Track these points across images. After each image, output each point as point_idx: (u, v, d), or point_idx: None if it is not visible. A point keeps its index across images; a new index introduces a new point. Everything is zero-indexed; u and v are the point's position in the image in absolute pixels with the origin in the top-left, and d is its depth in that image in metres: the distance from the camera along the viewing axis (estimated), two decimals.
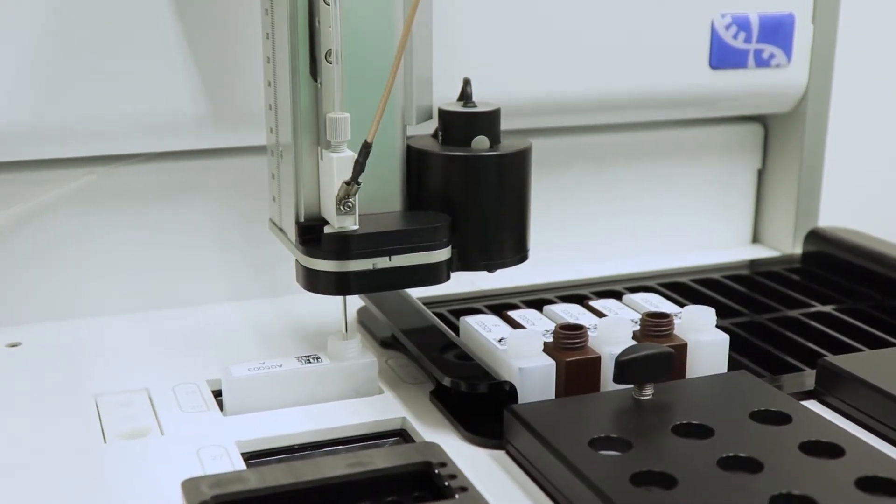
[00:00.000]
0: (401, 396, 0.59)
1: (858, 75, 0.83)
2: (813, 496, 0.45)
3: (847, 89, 0.82)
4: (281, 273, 0.75)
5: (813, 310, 0.73)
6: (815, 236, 0.82)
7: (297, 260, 0.57)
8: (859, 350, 0.66)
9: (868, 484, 0.46)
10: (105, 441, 0.54)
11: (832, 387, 0.58)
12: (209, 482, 0.46)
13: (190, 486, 0.46)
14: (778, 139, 0.86)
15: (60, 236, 0.70)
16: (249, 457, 0.53)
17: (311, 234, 0.56)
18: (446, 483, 0.46)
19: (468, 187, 0.58)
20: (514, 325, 0.62)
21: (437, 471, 0.47)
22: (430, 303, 0.70)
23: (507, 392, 0.55)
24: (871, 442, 0.52)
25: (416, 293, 0.69)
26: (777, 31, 0.79)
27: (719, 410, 0.53)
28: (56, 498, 0.49)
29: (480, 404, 0.56)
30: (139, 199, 0.71)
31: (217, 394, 0.59)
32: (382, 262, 0.55)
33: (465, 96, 0.59)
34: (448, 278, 0.58)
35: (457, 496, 0.46)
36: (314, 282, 0.56)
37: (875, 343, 0.67)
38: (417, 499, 0.48)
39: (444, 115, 0.59)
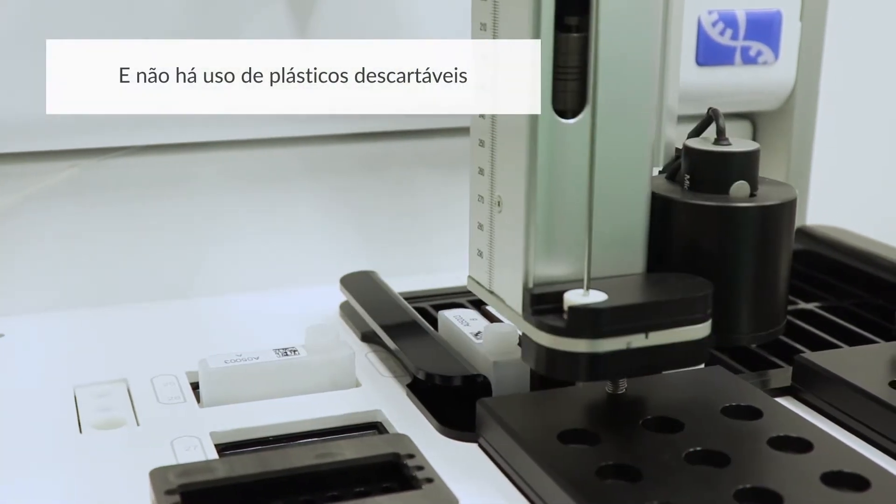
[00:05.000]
0: (378, 389, 0.59)
1: (846, 73, 0.83)
2: (777, 490, 0.45)
3: (835, 87, 0.82)
4: (264, 266, 0.75)
5: (797, 307, 0.73)
6: (802, 234, 0.81)
7: (524, 335, 0.49)
8: (839, 347, 0.66)
9: (833, 478, 0.46)
10: (81, 431, 0.55)
11: (808, 383, 0.58)
12: (177, 471, 0.46)
13: (158, 475, 0.46)
14: (766, 136, 0.86)
15: (43, 229, 0.70)
16: (223, 448, 0.54)
17: (543, 305, 0.48)
18: (413, 474, 0.46)
19: (726, 244, 0.50)
20: (493, 319, 0.62)
21: (404, 462, 0.47)
22: (413, 297, 0.70)
23: (480, 385, 0.55)
24: (844, 438, 0.52)
25: (397, 287, 0.69)
26: (764, 29, 0.79)
27: (691, 405, 0.53)
28: (27, 487, 0.50)
29: (455, 398, 0.56)
30: (122, 192, 0.72)
31: (195, 386, 0.59)
32: (638, 341, 0.47)
33: (719, 131, 0.52)
34: (707, 358, 0.51)
35: (423, 487, 0.46)
36: (553, 364, 0.48)
37: (856, 341, 0.67)
38: (386, 489, 0.48)
39: (693, 154, 0.52)
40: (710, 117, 0.53)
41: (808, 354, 0.59)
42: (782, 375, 0.61)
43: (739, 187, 0.51)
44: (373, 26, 0.70)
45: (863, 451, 0.50)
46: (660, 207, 0.51)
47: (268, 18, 0.69)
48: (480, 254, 0.53)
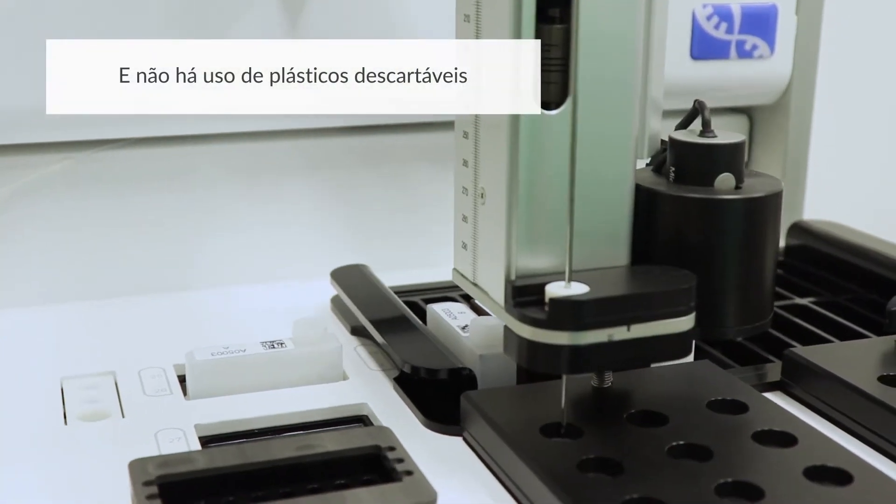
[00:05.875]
0: (365, 383, 0.59)
1: (843, 67, 0.82)
2: (759, 484, 0.44)
3: (831, 81, 0.82)
4: (256, 259, 0.75)
5: (791, 302, 0.72)
6: (798, 229, 0.81)
7: (506, 327, 0.49)
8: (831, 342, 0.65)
9: (816, 473, 0.46)
10: (66, 423, 0.55)
11: (797, 378, 0.58)
12: (156, 462, 0.46)
13: (137, 466, 0.46)
14: (762, 131, 0.85)
15: (34, 221, 0.70)
16: (208, 441, 0.53)
17: (525, 297, 0.48)
18: (393, 466, 0.46)
19: (711, 237, 0.50)
20: (482, 313, 0.62)
21: (385, 454, 0.47)
22: (404, 291, 0.70)
23: (466, 378, 0.55)
24: (831, 433, 0.52)
25: (389, 281, 0.69)
26: (760, 22, 0.78)
27: (677, 399, 0.53)
28: (7, 477, 0.50)
29: (442, 391, 0.56)
30: (113, 185, 0.72)
31: (182, 378, 0.59)
32: (620, 333, 0.47)
33: (704, 123, 0.52)
34: (691, 351, 0.50)
35: (402, 480, 0.46)
36: (535, 356, 0.47)
37: (849, 336, 0.67)
38: (366, 482, 0.47)
39: (678, 146, 0.52)
40: (696, 110, 0.53)
41: (798, 349, 0.59)
42: (772, 370, 0.60)
43: (724, 179, 0.50)
44: (364, 25, 0.70)
45: (849, 446, 0.49)
46: (644, 200, 0.51)
47: (260, 17, 0.69)
48: (465, 246, 0.53)
